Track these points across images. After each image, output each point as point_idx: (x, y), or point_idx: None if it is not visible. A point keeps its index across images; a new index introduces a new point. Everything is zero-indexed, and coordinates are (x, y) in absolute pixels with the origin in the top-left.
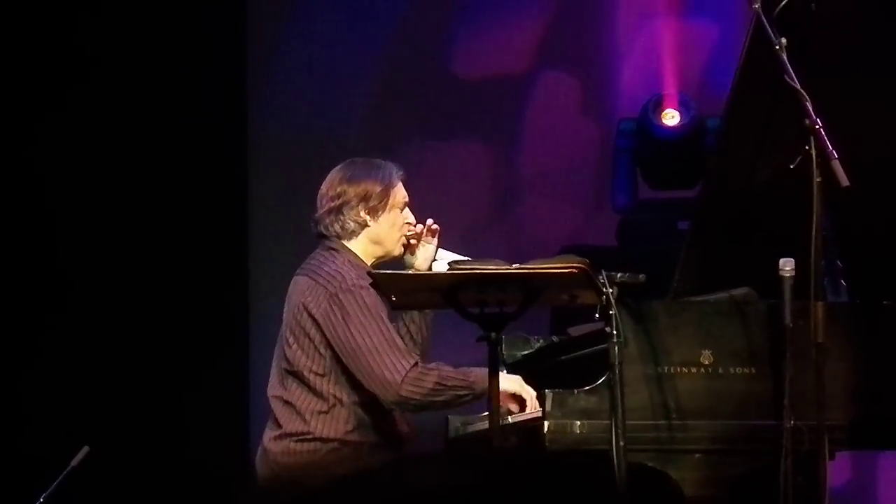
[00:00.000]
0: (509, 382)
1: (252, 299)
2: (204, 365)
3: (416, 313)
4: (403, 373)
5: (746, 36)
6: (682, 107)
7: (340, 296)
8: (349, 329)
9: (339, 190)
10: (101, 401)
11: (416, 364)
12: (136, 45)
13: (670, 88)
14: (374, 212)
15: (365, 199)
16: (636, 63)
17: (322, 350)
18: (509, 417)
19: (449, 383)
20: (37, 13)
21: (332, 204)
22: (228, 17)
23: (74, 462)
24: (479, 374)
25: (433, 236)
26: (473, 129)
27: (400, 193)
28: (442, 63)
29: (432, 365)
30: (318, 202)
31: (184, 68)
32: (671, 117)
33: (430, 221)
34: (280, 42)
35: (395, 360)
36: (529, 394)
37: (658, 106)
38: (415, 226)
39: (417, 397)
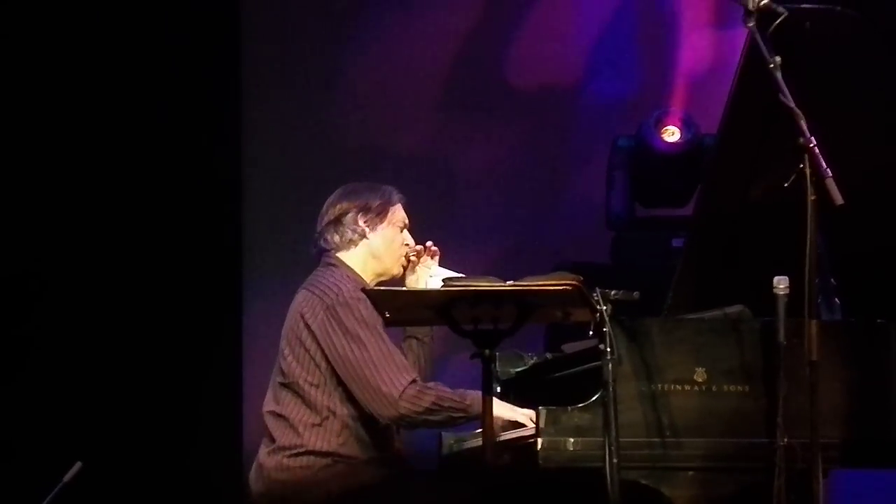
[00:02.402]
0: (502, 409)
1: (246, 316)
2: (197, 381)
3: (413, 342)
4: (402, 388)
5: (741, 54)
6: (684, 125)
7: (337, 308)
8: (346, 341)
9: (338, 205)
10: (94, 416)
11: (414, 380)
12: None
13: (676, 105)
14: (372, 223)
15: (364, 210)
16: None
17: (317, 360)
18: (502, 434)
19: (445, 404)
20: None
21: (332, 217)
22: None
23: (67, 477)
24: (476, 396)
25: (432, 258)
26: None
27: (399, 213)
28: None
29: (430, 384)
30: (319, 221)
31: (181, 81)
32: (671, 134)
33: (429, 243)
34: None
35: (393, 375)
36: (525, 413)
37: (659, 122)
38: (414, 247)
39: (413, 415)
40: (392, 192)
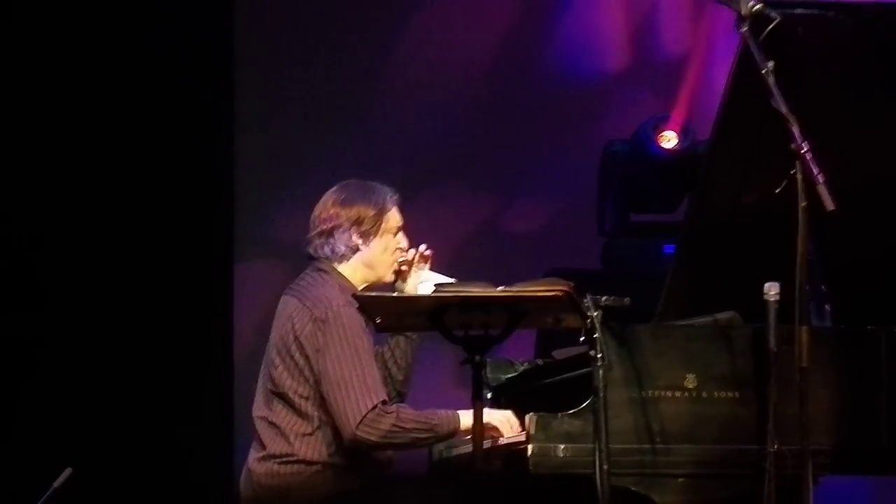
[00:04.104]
0: (490, 416)
1: (236, 318)
2: (188, 385)
3: (401, 338)
4: (363, 413)
5: (734, 59)
6: (683, 133)
7: (324, 322)
8: (325, 358)
9: (331, 212)
10: (85, 422)
11: (375, 406)
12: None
13: (679, 112)
14: (365, 236)
15: (357, 223)
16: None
17: (307, 374)
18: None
19: (407, 426)
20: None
21: (324, 227)
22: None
23: (57, 483)
24: (444, 416)
25: (425, 262)
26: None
27: (394, 218)
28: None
29: (392, 407)
30: (311, 224)
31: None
32: (668, 140)
33: (422, 247)
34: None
35: (358, 398)
36: (502, 420)
37: (658, 126)
38: (407, 251)
39: (373, 438)
40: (387, 197)
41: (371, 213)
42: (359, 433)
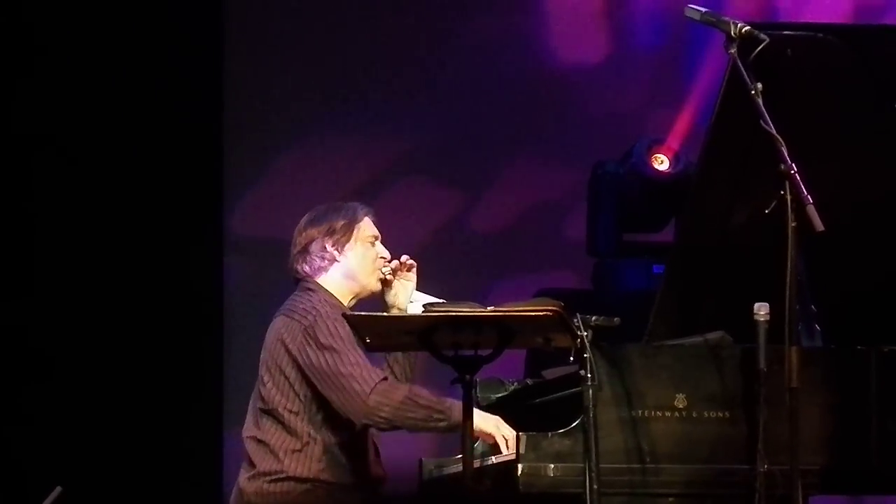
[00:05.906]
0: (485, 422)
1: (227, 341)
2: (177, 406)
3: (399, 354)
4: (373, 384)
5: (722, 81)
6: (676, 158)
7: (314, 327)
8: (321, 353)
9: (305, 233)
10: (74, 440)
11: (385, 378)
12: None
13: (675, 137)
14: (339, 245)
15: (329, 233)
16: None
17: (297, 388)
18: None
19: (421, 402)
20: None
21: (300, 247)
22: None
23: (46, 502)
24: (455, 403)
25: (409, 272)
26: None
27: (367, 229)
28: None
29: (405, 384)
30: (291, 249)
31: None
32: (661, 162)
33: (404, 257)
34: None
35: (365, 374)
36: (506, 435)
37: (651, 147)
38: (389, 261)
39: (386, 409)
40: (357, 209)
41: (341, 222)
42: (371, 402)
